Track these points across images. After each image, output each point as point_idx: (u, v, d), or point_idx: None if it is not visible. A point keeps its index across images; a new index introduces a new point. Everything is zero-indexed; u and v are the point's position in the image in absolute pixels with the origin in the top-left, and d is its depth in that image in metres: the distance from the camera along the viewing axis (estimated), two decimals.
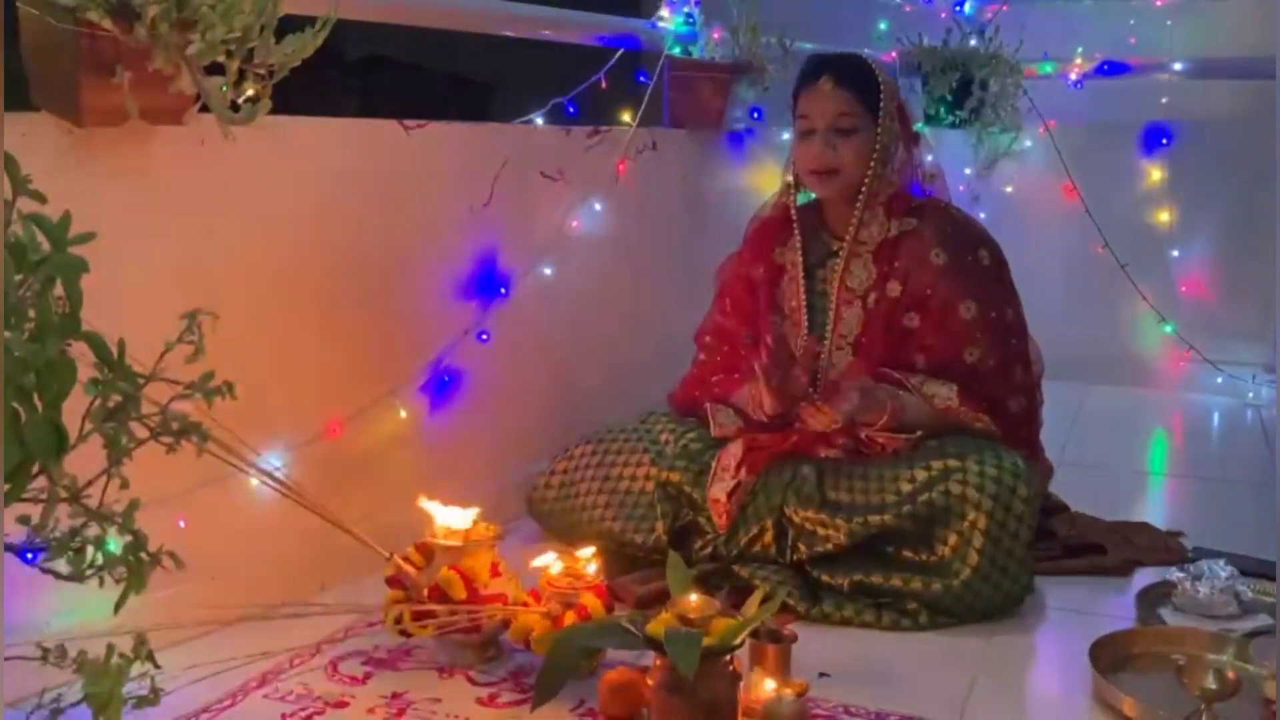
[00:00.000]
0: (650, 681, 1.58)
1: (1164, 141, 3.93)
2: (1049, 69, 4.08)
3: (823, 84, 2.29)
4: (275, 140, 1.94)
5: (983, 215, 2.48)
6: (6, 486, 1.05)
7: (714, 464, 2.24)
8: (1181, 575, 2.13)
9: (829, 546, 2.11)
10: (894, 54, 4.09)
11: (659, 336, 2.95)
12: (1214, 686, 1.63)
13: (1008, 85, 4.02)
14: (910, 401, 2.23)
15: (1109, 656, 1.83)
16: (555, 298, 2.68)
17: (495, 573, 1.88)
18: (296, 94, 1.72)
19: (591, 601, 1.82)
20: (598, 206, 2.77)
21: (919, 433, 2.21)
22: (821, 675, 1.80)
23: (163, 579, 1.22)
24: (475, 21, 2.82)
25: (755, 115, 3.35)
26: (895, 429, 2.21)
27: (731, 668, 1.58)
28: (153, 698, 1.26)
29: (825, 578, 2.10)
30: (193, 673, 1.71)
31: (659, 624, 1.58)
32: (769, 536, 2.14)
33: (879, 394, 2.21)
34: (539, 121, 2.74)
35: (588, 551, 1.90)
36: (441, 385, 2.37)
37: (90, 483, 1.15)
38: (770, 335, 2.25)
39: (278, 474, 1.82)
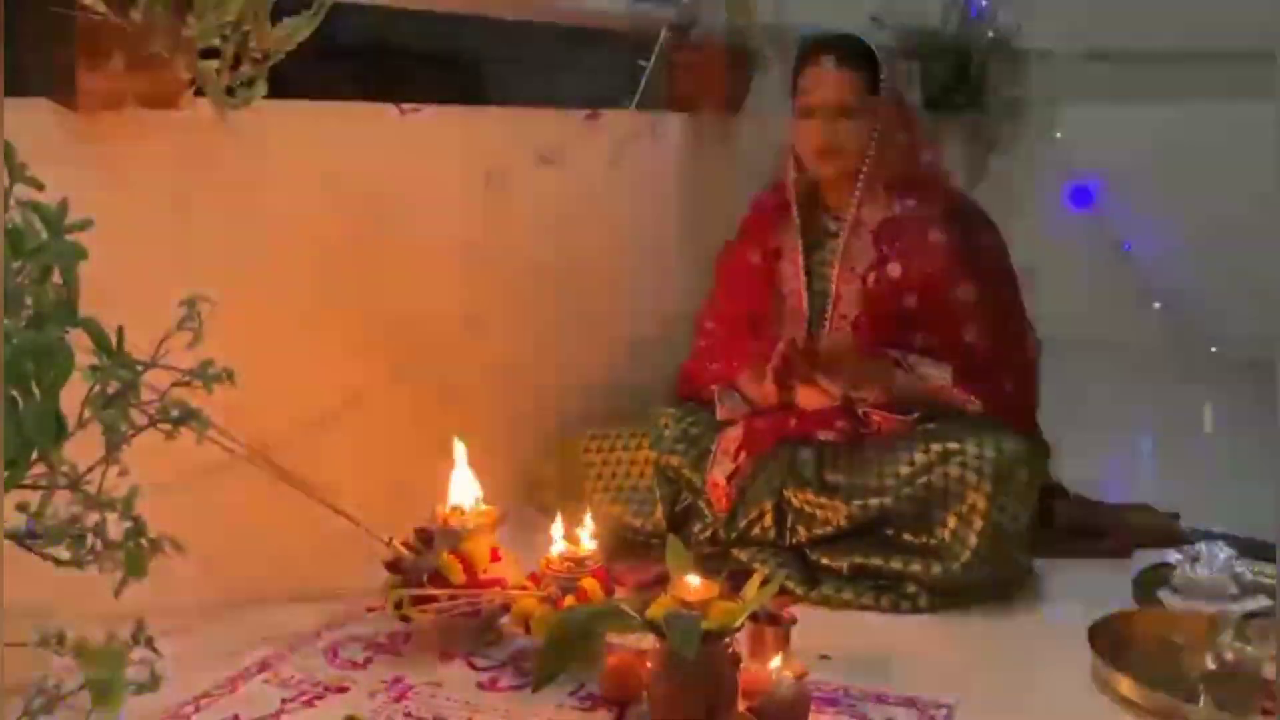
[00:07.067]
0: (650, 665, 1.59)
1: (1164, 124, 3.93)
2: (1048, 51, 4.07)
3: (824, 63, 2.28)
4: (271, 123, 1.93)
5: (981, 199, 2.47)
6: (5, 473, 1.05)
7: (714, 448, 2.24)
8: (1180, 557, 2.13)
9: (828, 529, 2.11)
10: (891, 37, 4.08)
11: (658, 321, 2.95)
12: (1213, 668, 1.64)
13: (1006, 69, 4.01)
14: (903, 380, 2.23)
15: (1108, 638, 1.83)
16: (553, 282, 2.67)
17: (495, 557, 1.88)
18: (292, 77, 1.71)
19: (591, 585, 1.83)
20: (595, 190, 2.76)
21: (915, 413, 2.21)
22: (821, 658, 1.80)
23: (162, 565, 1.22)
24: (473, 4, 2.81)
25: (753, 97, 3.33)
26: (888, 406, 2.21)
27: (731, 651, 1.58)
28: (152, 684, 1.26)
29: (825, 560, 2.10)
30: (193, 658, 1.72)
31: (658, 608, 1.58)
32: (768, 520, 2.15)
33: (869, 370, 2.21)
34: (536, 104, 2.73)
35: (588, 529, 1.91)
36: (441, 371, 2.37)
37: (89, 469, 1.15)
38: (785, 340, 2.25)
39: (277, 460, 1.82)
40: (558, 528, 1.91)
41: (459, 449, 1.96)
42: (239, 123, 1.58)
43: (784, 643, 1.72)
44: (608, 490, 2.29)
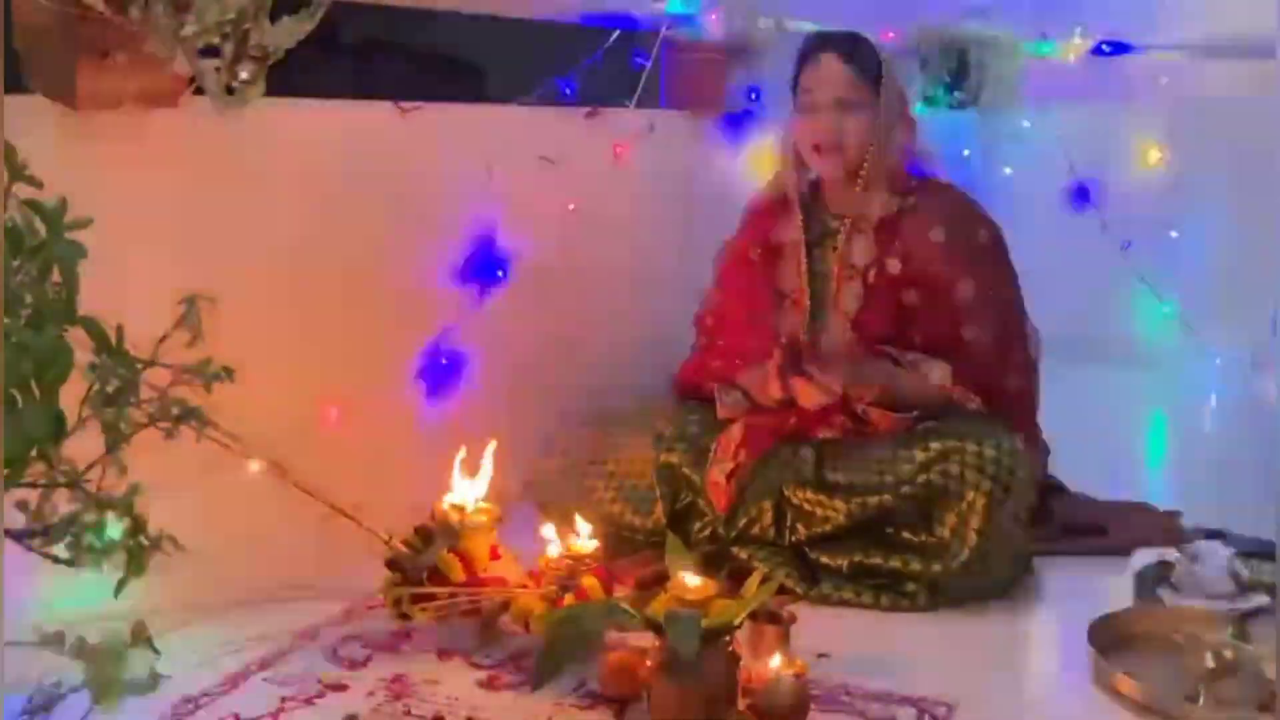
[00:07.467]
0: (650, 663, 1.59)
1: (1164, 121, 3.92)
2: (1048, 49, 4.06)
3: (826, 59, 2.28)
4: (270, 122, 1.93)
5: (982, 197, 2.47)
6: (5, 472, 1.05)
7: (713, 446, 2.24)
8: (1180, 555, 2.13)
9: (828, 527, 2.11)
10: (891, 35, 4.07)
11: (658, 319, 2.94)
12: (1212, 666, 1.63)
13: (1006, 66, 4.01)
14: (902, 378, 2.23)
15: (1107, 637, 1.83)
16: (553, 281, 2.67)
17: (494, 555, 1.88)
18: (292, 75, 1.71)
19: (591, 583, 1.83)
20: (595, 189, 2.75)
21: (915, 412, 2.20)
22: (820, 656, 1.80)
23: (162, 564, 1.22)
24: (471, 1, 2.80)
25: (753, 96, 3.34)
26: (888, 406, 2.21)
27: (731, 649, 1.58)
28: (152, 683, 1.26)
29: (824, 559, 2.10)
30: (192, 657, 1.72)
31: (658, 605, 1.58)
32: (768, 518, 2.15)
33: (868, 369, 2.21)
34: (535, 103, 2.73)
35: (586, 529, 1.91)
36: (440, 370, 2.37)
37: (89, 468, 1.15)
38: (786, 335, 2.25)
39: (276, 458, 1.82)
40: (549, 531, 1.91)
41: (463, 455, 1.96)
42: (238, 121, 1.58)
43: (784, 641, 1.72)
44: (608, 489, 2.29)
